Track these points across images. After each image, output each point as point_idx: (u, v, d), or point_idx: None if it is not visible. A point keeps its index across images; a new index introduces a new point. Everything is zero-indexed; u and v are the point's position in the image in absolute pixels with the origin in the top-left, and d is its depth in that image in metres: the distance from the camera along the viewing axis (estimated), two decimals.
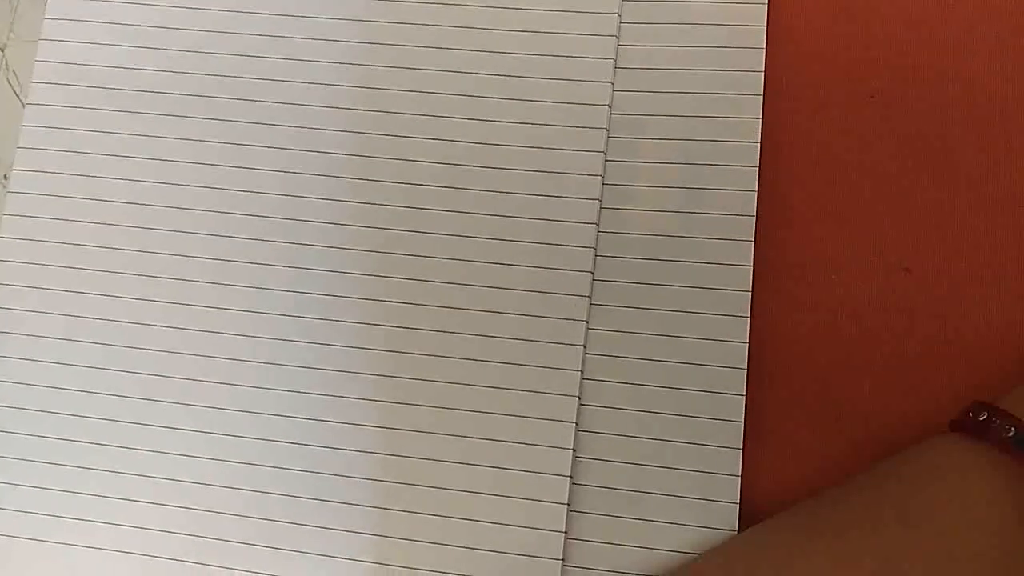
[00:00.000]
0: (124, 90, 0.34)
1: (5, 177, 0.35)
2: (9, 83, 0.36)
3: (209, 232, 0.33)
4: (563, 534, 0.29)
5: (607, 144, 0.32)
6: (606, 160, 0.32)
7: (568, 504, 0.30)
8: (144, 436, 0.31)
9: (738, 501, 0.29)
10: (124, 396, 0.32)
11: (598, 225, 0.32)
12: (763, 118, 0.32)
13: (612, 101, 0.32)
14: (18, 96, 0.36)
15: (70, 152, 0.34)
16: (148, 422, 0.31)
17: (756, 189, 0.31)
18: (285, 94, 0.34)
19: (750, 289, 0.31)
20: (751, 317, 0.30)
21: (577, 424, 0.30)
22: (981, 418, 0.25)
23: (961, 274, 0.31)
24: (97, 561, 0.30)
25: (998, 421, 0.25)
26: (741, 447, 0.30)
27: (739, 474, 0.29)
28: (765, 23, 0.32)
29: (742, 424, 0.30)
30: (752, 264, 0.31)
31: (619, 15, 0.33)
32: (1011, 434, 0.24)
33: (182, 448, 0.31)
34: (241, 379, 0.31)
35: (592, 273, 0.31)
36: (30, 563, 0.31)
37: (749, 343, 0.30)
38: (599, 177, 0.32)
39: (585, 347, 0.31)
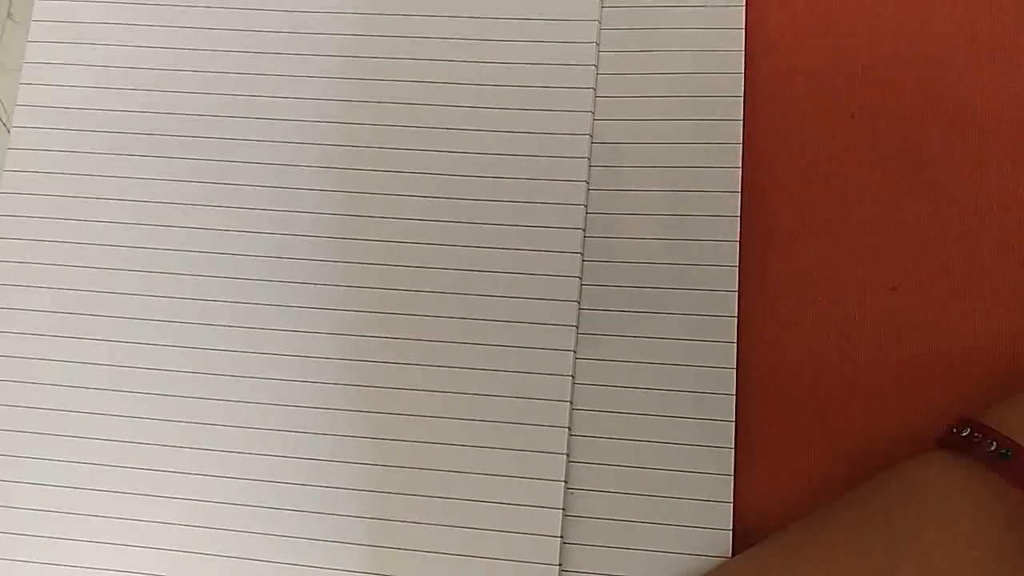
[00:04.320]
0: (105, 110, 0.36)
1: None
2: None
3: (191, 248, 0.35)
4: (558, 567, 0.31)
5: (589, 173, 0.34)
6: (589, 189, 0.34)
7: (561, 536, 0.31)
8: (145, 456, 0.33)
9: (731, 528, 0.31)
10: (125, 416, 0.34)
11: (583, 254, 0.33)
12: (744, 142, 0.34)
13: (593, 130, 0.34)
14: (4, 124, 0.38)
15: (53, 173, 0.36)
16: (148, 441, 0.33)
17: (739, 214, 0.33)
18: (268, 115, 0.36)
19: (736, 315, 0.32)
20: (738, 340, 0.32)
21: (568, 455, 0.32)
22: (964, 434, 0.27)
23: (947, 290, 0.33)
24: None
25: (980, 436, 0.27)
26: (732, 473, 0.31)
27: (731, 500, 0.31)
28: (743, 47, 0.35)
29: (732, 451, 0.31)
30: (737, 290, 0.33)
31: (597, 44, 0.35)
32: (992, 448, 0.26)
33: (181, 467, 0.33)
34: (235, 394, 0.33)
35: (579, 303, 0.33)
36: None
37: (737, 367, 0.32)
38: (583, 207, 0.34)
39: (574, 377, 0.32)
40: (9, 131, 0.37)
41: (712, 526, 0.31)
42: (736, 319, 0.32)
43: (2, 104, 0.38)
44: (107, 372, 0.34)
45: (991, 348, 0.32)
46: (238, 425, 0.33)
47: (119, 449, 0.33)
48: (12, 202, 0.36)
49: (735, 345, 0.32)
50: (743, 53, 0.34)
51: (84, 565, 0.32)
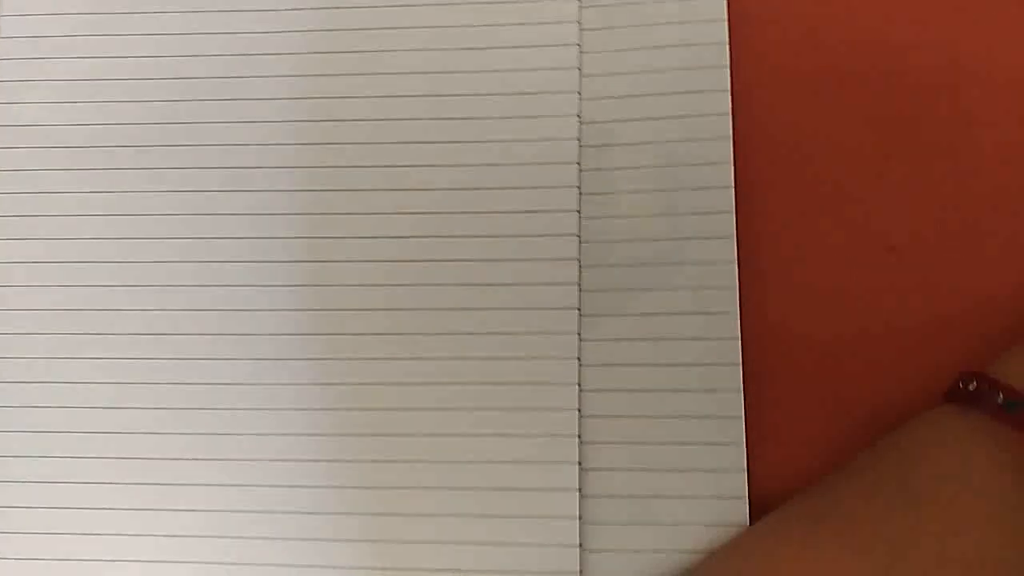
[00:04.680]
0: (75, 147, 0.36)
1: None
2: None
3: (172, 258, 0.35)
4: (578, 547, 0.31)
5: (580, 154, 0.34)
6: (581, 170, 0.34)
7: (580, 517, 0.32)
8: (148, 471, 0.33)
9: (746, 495, 0.31)
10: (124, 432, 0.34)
11: (579, 236, 0.34)
12: (733, 113, 0.34)
13: (581, 111, 0.35)
14: None
15: (31, 216, 0.36)
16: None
17: (732, 185, 0.33)
18: (234, 136, 0.36)
19: (736, 285, 0.33)
20: (741, 311, 0.33)
21: (580, 437, 0.32)
22: (971, 387, 0.28)
23: (945, 247, 0.33)
24: None
25: (987, 389, 0.27)
26: (744, 442, 0.32)
27: (744, 469, 0.32)
28: (726, 16, 0.35)
29: (742, 419, 0.32)
30: (736, 260, 0.33)
31: (579, 23, 0.35)
32: (1000, 400, 0.26)
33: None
34: (234, 428, 0.33)
35: (579, 285, 0.33)
36: None
37: (741, 338, 0.32)
38: (576, 188, 0.34)
39: (579, 359, 0.33)
40: None
41: (728, 495, 0.31)
42: (737, 289, 0.33)
43: None
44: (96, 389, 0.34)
45: (993, 303, 0.32)
46: (241, 432, 0.33)
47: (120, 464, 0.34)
48: None
49: (737, 315, 0.32)
50: (726, 23, 0.35)
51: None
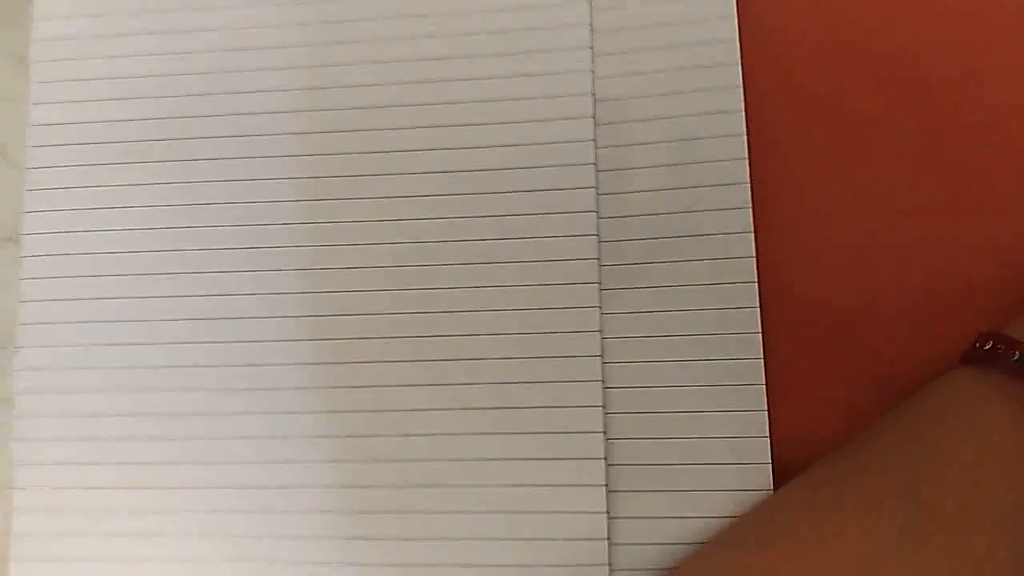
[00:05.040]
0: (112, 143, 0.37)
1: (9, 240, 0.38)
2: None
3: (212, 269, 0.36)
4: (605, 514, 0.32)
5: (595, 131, 0.35)
6: (597, 148, 0.35)
7: (606, 485, 0.33)
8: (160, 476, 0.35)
9: (770, 461, 0.32)
10: (149, 438, 0.35)
11: (598, 212, 0.34)
12: (744, 84, 0.34)
13: (595, 88, 0.35)
14: (2, 154, 0.38)
15: (74, 210, 0.37)
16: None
17: (746, 155, 0.34)
18: (247, 127, 0.37)
19: (754, 255, 0.33)
20: (758, 279, 0.33)
21: (604, 408, 0.33)
22: (987, 347, 0.28)
23: (959, 207, 0.34)
24: None
25: (1004, 348, 0.28)
26: (766, 408, 0.32)
27: (767, 435, 0.32)
28: None
29: (763, 386, 0.33)
30: (753, 229, 0.33)
31: (590, 2, 0.36)
32: (1016, 358, 0.27)
33: (207, 483, 0.34)
34: (252, 407, 0.35)
35: (599, 259, 0.34)
36: None
37: (760, 305, 0.33)
38: (592, 165, 0.35)
39: (601, 332, 0.34)
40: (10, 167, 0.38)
41: (751, 461, 0.32)
42: (754, 259, 0.33)
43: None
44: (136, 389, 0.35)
45: (1009, 261, 0.33)
46: (255, 461, 0.35)
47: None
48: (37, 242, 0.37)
49: (756, 284, 0.33)
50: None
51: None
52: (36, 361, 0.36)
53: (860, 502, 0.28)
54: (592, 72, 0.35)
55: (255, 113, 0.37)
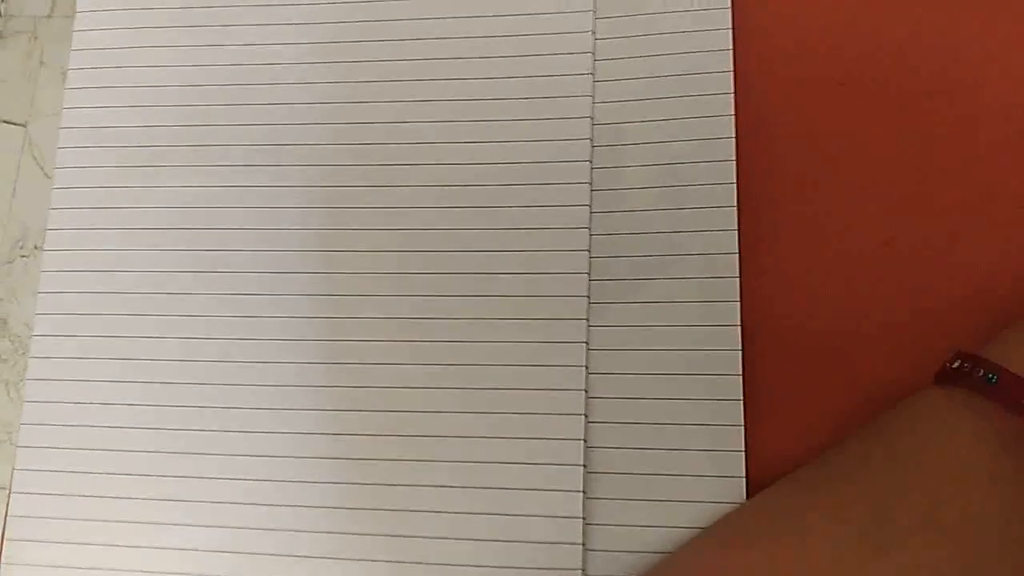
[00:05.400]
0: (141, 147, 0.40)
1: (36, 248, 0.40)
2: (34, 157, 0.41)
3: (237, 270, 0.38)
4: (582, 520, 0.33)
5: (592, 153, 0.37)
6: (592, 168, 0.37)
7: (584, 491, 0.33)
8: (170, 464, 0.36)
9: (744, 475, 0.33)
10: (155, 428, 0.36)
11: (590, 229, 0.36)
12: (736, 114, 0.36)
13: (594, 113, 0.37)
14: (42, 168, 0.41)
15: (98, 208, 0.39)
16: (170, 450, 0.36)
17: (735, 181, 0.35)
18: (274, 134, 0.39)
19: (738, 275, 0.35)
20: (741, 299, 0.35)
21: (586, 416, 0.34)
22: (955, 366, 0.29)
23: (940, 241, 0.35)
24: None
25: (969, 366, 0.29)
26: (742, 423, 0.33)
27: (743, 449, 0.33)
28: (731, 24, 0.37)
29: (741, 402, 0.34)
30: (738, 251, 0.35)
31: (593, 32, 0.38)
32: (981, 375, 0.28)
33: (209, 473, 0.36)
34: (256, 403, 0.36)
35: (589, 274, 0.36)
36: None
37: (741, 325, 0.34)
38: (587, 184, 0.36)
39: (587, 343, 0.35)
40: (48, 178, 0.40)
41: (726, 474, 0.33)
42: (738, 279, 0.35)
43: (41, 152, 0.41)
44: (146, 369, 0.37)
45: (988, 292, 0.34)
46: (254, 430, 0.36)
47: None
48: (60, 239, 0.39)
49: (738, 303, 0.34)
50: (731, 30, 0.37)
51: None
52: (49, 351, 0.38)
53: (825, 509, 0.28)
54: (592, 97, 0.37)
55: (271, 124, 0.39)
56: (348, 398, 0.36)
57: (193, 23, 0.41)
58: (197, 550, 0.35)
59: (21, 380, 0.37)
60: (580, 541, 0.33)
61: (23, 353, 0.38)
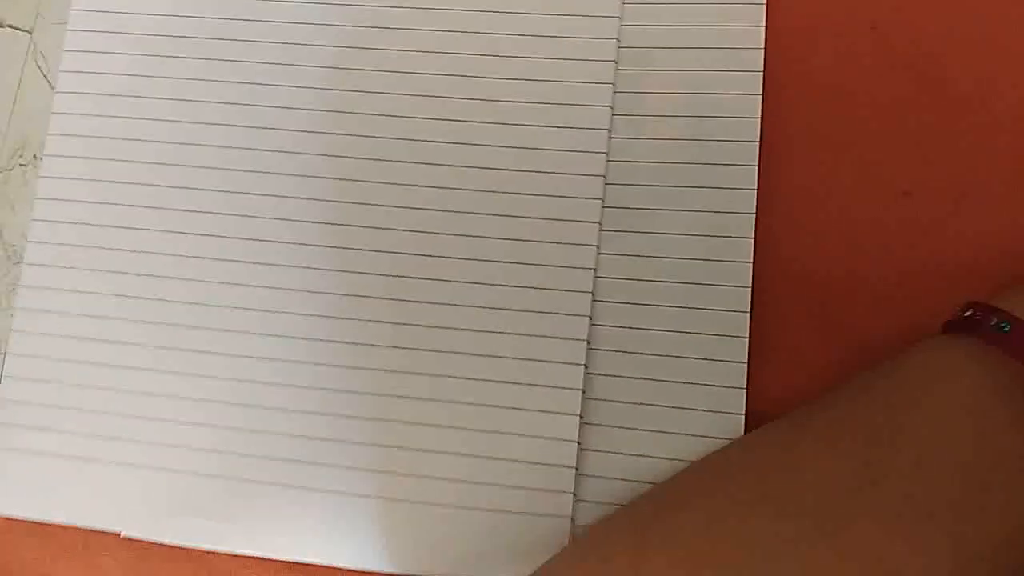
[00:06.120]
0: (150, 55, 0.39)
1: (36, 157, 0.39)
2: (38, 65, 0.41)
3: (231, 212, 0.37)
4: (576, 444, 0.33)
5: (616, 76, 0.36)
6: (615, 92, 0.36)
7: (581, 416, 0.34)
8: (170, 360, 0.36)
9: (743, 412, 0.33)
10: (153, 322, 0.37)
11: (607, 154, 0.36)
12: (765, 49, 0.36)
13: (620, 34, 0.37)
14: (47, 78, 0.40)
15: (98, 137, 0.39)
16: (174, 346, 0.36)
17: (760, 116, 0.35)
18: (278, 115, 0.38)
19: (754, 212, 0.35)
20: (755, 242, 0.35)
21: (589, 342, 0.34)
22: (967, 314, 0.29)
23: (959, 195, 0.35)
24: (125, 476, 0.35)
25: (981, 314, 0.29)
26: (746, 361, 0.34)
27: (744, 386, 0.33)
28: None
29: (746, 339, 0.34)
30: (756, 188, 0.35)
31: None
32: (993, 323, 0.28)
33: (203, 371, 0.36)
34: (263, 342, 0.36)
35: (602, 200, 0.35)
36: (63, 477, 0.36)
37: (754, 268, 0.34)
38: (608, 108, 0.36)
39: (595, 270, 0.35)
40: (53, 90, 0.40)
41: (725, 410, 0.33)
42: (754, 216, 0.35)
43: (46, 61, 0.40)
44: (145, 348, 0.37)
45: (1002, 249, 0.34)
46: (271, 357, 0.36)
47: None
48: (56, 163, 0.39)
49: (752, 240, 0.34)
50: None
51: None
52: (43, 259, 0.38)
53: (819, 440, 0.29)
54: (619, 18, 0.37)
55: (281, 106, 0.39)
56: (356, 305, 0.36)
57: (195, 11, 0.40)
58: (189, 447, 0.35)
59: (14, 290, 0.37)
60: (573, 464, 0.33)
61: (16, 263, 0.38)
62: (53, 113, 0.39)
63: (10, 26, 0.41)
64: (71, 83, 0.39)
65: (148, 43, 0.39)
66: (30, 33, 0.41)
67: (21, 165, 0.40)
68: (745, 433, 0.33)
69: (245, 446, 0.35)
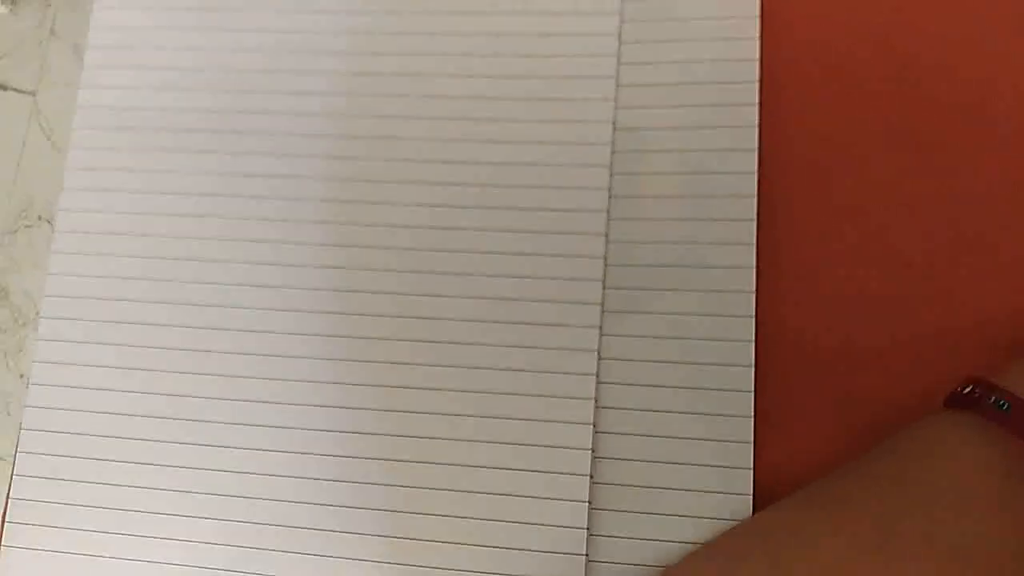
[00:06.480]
0: (158, 129, 0.40)
1: (40, 218, 0.40)
2: (40, 126, 0.42)
3: (245, 260, 0.38)
4: (586, 530, 0.34)
5: (612, 159, 0.37)
6: (612, 174, 0.37)
7: (589, 502, 0.34)
8: (177, 455, 0.37)
9: (751, 493, 0.33)
10: (160, 417, 0.37)
11: (607, 236, 0.36)
12: (760, 125, 0.36)
13: (615, 118, 0.38)
14: (49, 138, 0.41)
15: (112, 191, 0.40)
16: (183, 440, 0.37)
17: (756, 194, 0.36)
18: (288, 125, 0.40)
19: (754, 290, 0.35)
20: (757, 314, 0.35)
21: (595, 426, 0.35)
22: (968, 391, 0.30)
23: (960, 264, 0.35)
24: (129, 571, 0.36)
25: (981, 392, 0.29)
26: (752, 441, 0.34)
27: (751, 467, 0.34)
28: (758, 33, 0.37)
29: (752, 420, 0.34)
30: (755, 266, 0.35)
31: (618, 36, 0.38)
32: (992, 401, 0.28)
33: (211, 464, 0.36)
34: (263, 396, 0.37)
35: (603, 282, 0.36)
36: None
37: (756, 340, 0.35)
38: (606, 191, 0.37)
39: (599, 353, 0.35)
40: (55, 149, 0.41)
41: (733, 491, 0.34)
42: (754, 294, 0.35)
43: (48, 121, 0.42)
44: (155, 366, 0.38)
45: (1004, 320, 0.34)
46: (263, 424, 0.37)
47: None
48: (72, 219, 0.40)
49: (753, 319, 0.35)
50: (757, 40, 0.37)
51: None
52: (57, 333, 0.39)
53: (829, 524, 0.29)
54: (615, 102, 0.38)
55: (292, 113, 0.39)
56: (360, 396, 0.36)
57: (218, 6, 0.41)
58: (197, 542, 0.36)
59: (20, 351, 0.38)
60: (584, 552, 0.33)
61: (23, 324, 0.39)
62: (65, 189, 0.40)
63: (13, 89, 0.43)
64: (82, 158, 0.40)
65: (159, 117, 0.41)
66: (33, 95, 0.43)
67: (27, 226, 0.41)
68: (753, 511, 0.33)
69: (256, 539, 0.35)
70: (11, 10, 0.43)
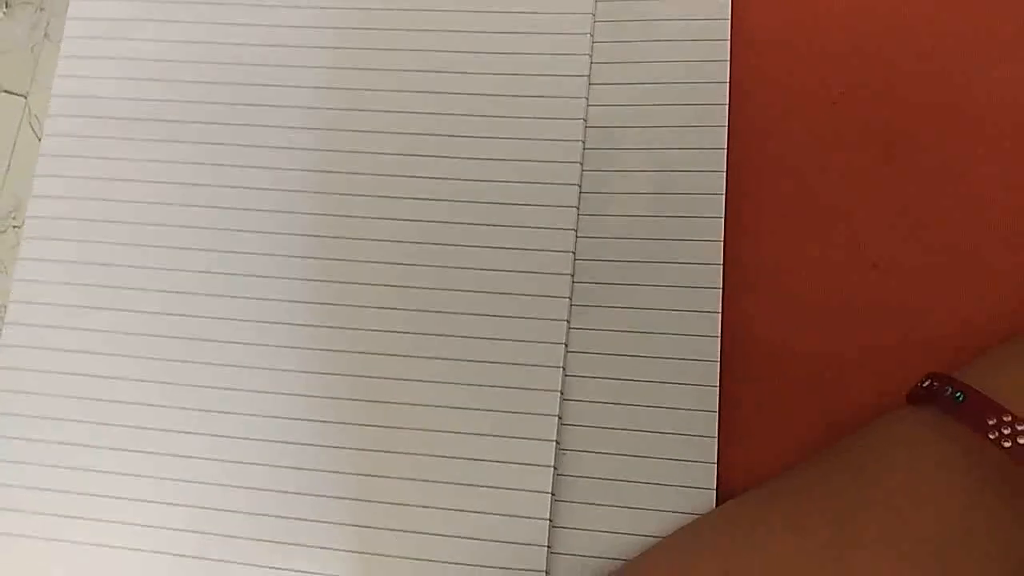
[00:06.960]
0: (131, 119, 0.41)
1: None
2: (32, 128, 0.43)
3: (213, 248, 0.39)
4: (548, 522, 0.34)
5: (583, 156, 0.38)
6: (583, 170, 0.38)
7: (553, 493, 0.34)
8: (147, 440, 0.37)
9: (715, 487, 0.34)
10: (131, 403, 0.38)
11: (576, 231, 0.37)
12: (729, 125, 0.37)
13: (587, 115, 0.38)
14: (40, 140, 0.42)
15: (84, 178, 0.40)
16: (152, 426, 0.37)
17: (724, 192, 0.36)
18: (273, 117, 0.40)
19: (720, 286, 0.36)
20: (724, 314, 0.35)
21: (560, 417, 0.35)
22: (924, 384, 0.30)
23: (929, 268, 0.36)
24: (100, 558, 0.36)
25: (938, 385, 0.29)
26: (716, 436, 0.34)
27: (715, 461, 0.34)
28: (728, 35, 0.38)
29: (716, 414, 0.35)
30: (722, 263, 0.36)
31: (591, 35, 0.39)
32: (948, 393, 0.29)
33: (182, 450, 0.37)
34: (238, 384, 0.37)
35: (572, 276, 0.37)
36: (35, 561, 0.36)
37: (722, 338, 0.35)
38: (576, 186, 0.37)
39: (566, 345, 0.36)
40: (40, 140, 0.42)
41: (696, 485, 0.34)
42: (720, 290, 0.36)
43: (40, 124, 0.42)
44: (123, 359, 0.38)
45: (971, 325, 0.35)
46: (239, 412, 0.37)
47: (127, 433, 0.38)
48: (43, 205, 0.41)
49: (719, 315, 0.35)
50: (728, 41, 0.38)
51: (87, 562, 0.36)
52: (24, 318, 0.39)
53: (786, 519, 0.29)
54: (586, 100, 0.38)
55: (266, 105, 0.40)
56: (328, 388, 0.37)
57: None
58: (167, 528, 0.36)
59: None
60: (546, 543, 0.34)
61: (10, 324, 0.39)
62: (36, 176, 0.41)
63: (5, 91, 0.43)
64: (55, 146, 0.41)
65: (131, 106, 0.41)
66: (25, 97, 0.43)
67: (15, 227, 0.41)
68: (716, 506, 0.34)
69: (223, 526, 0.36)
70: (5, 13, 0.44)
